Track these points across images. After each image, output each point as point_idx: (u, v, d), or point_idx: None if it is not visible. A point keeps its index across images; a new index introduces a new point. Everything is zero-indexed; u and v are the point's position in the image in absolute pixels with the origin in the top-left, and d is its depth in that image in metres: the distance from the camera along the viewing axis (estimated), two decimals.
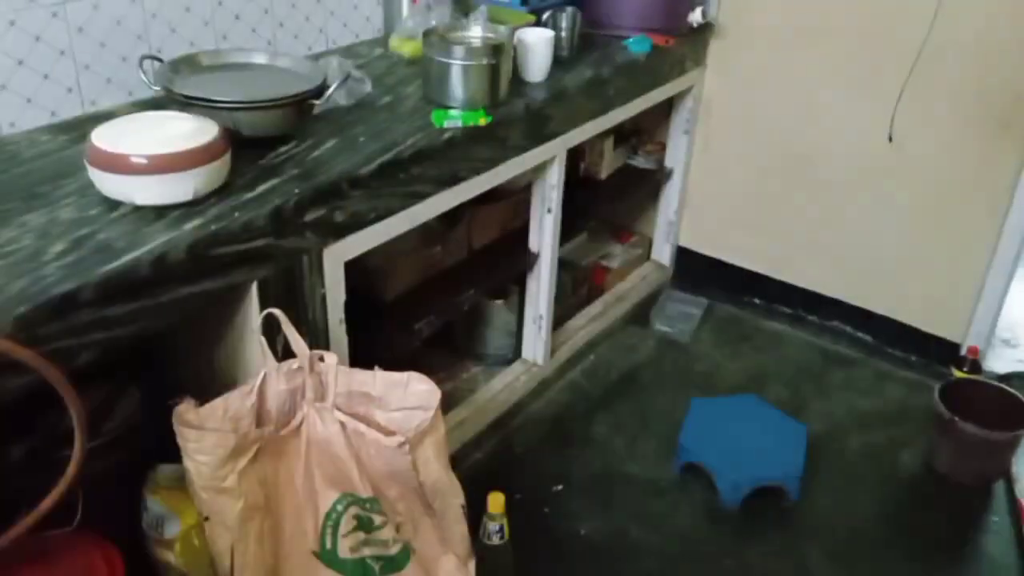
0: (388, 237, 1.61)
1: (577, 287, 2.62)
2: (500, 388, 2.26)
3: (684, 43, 2.42)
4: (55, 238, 1.19)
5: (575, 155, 2.23)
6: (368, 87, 1.74)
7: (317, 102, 1.51)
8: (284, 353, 1.41)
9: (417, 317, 1.94)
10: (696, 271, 2.87)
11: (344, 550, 1.32)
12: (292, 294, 1.43)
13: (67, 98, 1.59)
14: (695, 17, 2.39)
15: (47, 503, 1.14)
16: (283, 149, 1.51)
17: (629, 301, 2.71)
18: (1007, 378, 2.39)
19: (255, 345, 1.37)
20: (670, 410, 2.25)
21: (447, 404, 2.05)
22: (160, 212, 1.27)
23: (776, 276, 2.75)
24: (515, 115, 1.81)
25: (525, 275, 2.25)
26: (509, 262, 2.21)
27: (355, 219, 1.50)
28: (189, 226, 1.25)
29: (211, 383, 1.53)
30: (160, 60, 1.56)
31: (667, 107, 2.65)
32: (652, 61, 2.28)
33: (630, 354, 2.54)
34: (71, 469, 1.12)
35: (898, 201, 2.44)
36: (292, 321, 1.37)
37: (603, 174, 2.65)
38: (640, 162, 2.77)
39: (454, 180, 1.71)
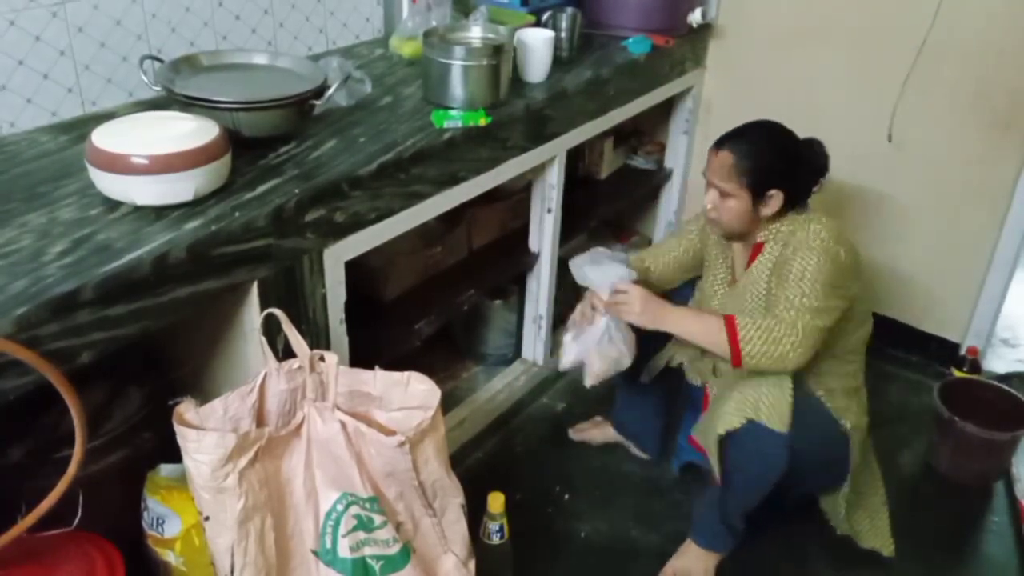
0: (388, 237, 1.61)
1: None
2: (500, 388, 2.26)
3: (684, 43, 2.42)
4: (55, 238, 1.19)
5: (575, 155, 2.23)
6: (368, 87, 1.74)
7: (317, 102, 1.51)
8: (284, 353, 1.41)
9: (417, 317, 1.94)
10: None
11: (344, 550, 1.32)
12: (292, 294, 1.43)
13: (67, 98, 1.59)
14: (695, 17, 2.40)
15: (47, 503, 1.14)
16: (283, 149, 1.51)
17: None
18: (1007, 378, 2.39)
19: (255, 345, 1.37)
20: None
21: (447, 404, 2.05)
22: (160, 212, 1.27)
23: None
24: (515, 115, 1.82)
25: (525, 275, 2.25)
26: (509, 262, 2.21)
27: (355, 219, 1.51)
28: (189, 226, 1.25)
29: (211, 383, 1.53)
30: (160, 60, 1.56)
31: (667, 107, 2.65)
32: (652, 61, 2.28)
33: None
34: (71, 469, 1.12)
35: (898, 201, 2.44)
36: (292, 321, 1.37)
37: (603, 174, 2.65)
38: (640, 162, 2.78)
39: (454, 180, 1.71)
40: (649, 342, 1.84)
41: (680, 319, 1.68)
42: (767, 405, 1.59)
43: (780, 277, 1.64)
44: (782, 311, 1.59)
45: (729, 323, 1.60)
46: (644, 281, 1.83)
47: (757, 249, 1.73)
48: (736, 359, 1.60)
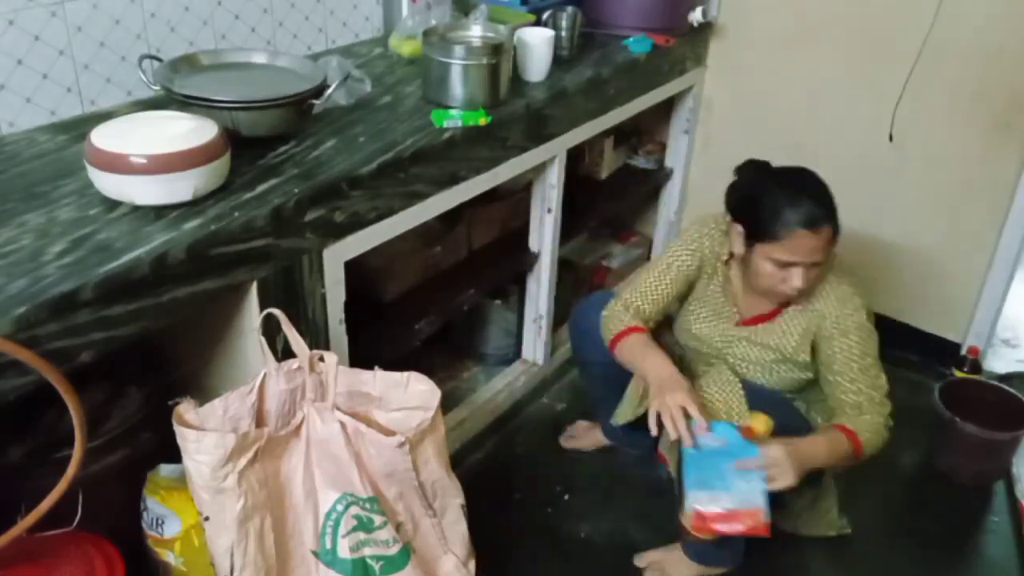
0: (388, 237, 1.61)
1: (577, 287, 2.62)
2: (500, 388, 2.26)
3: (684, 43, 2.42)
4: (55, 238, 1.19)
5: (575, 155, 2.23)
6: (368, 87, 1.74)
7: (317, 102, 1.51)
8: (284, 353, 1.41)
9: (417, 317, 1.94)
10: None
11: (344, 550, 1.32)
12: (292, 294, 1.43)
13: (66, 97, 1.59)
14: (695, 17, 2.39)
15: (47, 503, 1.14)
16: (283, 149, 1.51)
17: None
18: (1007, 378, 2.39)
19: (255, 345, 1.37)
20: None
21: (447, 404, 2.05)
22: (160, 212, 1.27)
23: None
24: (515, 115, 1.81)
25: (525, 275, 2.25)
26: (509, 262, 2.20)
27: (355, 219, 1.50)
28: (189, 226, 1.24)
29: (211, 383, 1.53)
30: (159, 60, 1.56)
31: (667, 107, 2.65)
32: (652, 61, 2.28)
33: None
34: (71, 469, 1.12)
35: (898, 201, 2.43)
36: (292, 321, 1.37)
37: (603, 174, 2.65)
38: (640, 162, 2.77)
39: (454, 180, 1.71)
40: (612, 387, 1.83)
41: (816, 454, 1.59)
42: (722, 403, 1.62)
43: (845, 356, 1.66)
44: (867, 406, 1.69)
45: (852, 439, 1.64)
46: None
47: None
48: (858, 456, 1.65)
